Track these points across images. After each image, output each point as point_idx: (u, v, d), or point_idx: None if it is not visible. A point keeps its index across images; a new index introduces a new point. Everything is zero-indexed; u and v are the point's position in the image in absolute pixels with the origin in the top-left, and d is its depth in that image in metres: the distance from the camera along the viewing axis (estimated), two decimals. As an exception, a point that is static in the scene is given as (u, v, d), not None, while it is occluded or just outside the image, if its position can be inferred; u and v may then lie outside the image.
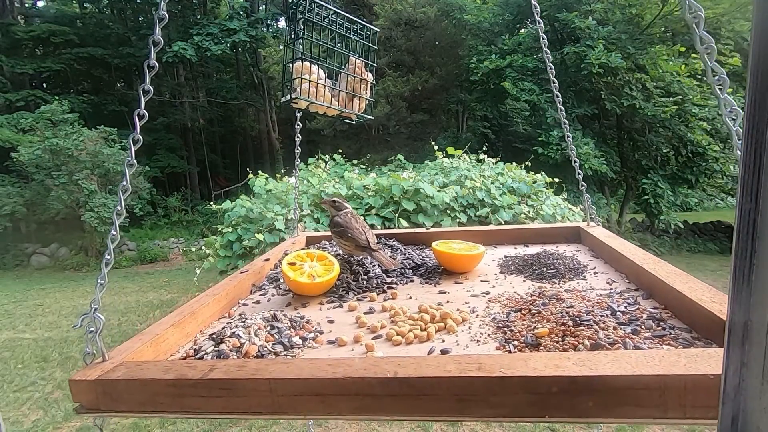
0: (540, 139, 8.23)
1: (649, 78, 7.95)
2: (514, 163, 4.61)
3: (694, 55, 7.42)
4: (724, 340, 0.36)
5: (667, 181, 8.31)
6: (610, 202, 9.33)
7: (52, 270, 9.32)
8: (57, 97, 11.05)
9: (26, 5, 15.99)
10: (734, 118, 0.66)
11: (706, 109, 7.43)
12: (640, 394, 0.48)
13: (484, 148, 4.91)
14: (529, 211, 3.79)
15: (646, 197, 8.15)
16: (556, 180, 4.48)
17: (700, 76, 7.62)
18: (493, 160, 4.61)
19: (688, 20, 0.68)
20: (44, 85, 14.91)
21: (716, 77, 0.67)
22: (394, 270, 1.05)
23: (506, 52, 9.13)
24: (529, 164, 4.77)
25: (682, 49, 7.55)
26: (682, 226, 8.94)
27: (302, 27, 1.14)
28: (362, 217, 1.18)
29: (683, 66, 7.64)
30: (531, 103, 8.98)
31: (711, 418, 0.47)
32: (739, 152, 0.65)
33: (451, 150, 4.81)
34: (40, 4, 16.53)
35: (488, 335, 0.73)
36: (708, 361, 0.50)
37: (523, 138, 10.64)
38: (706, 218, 10.17)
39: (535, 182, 4.18)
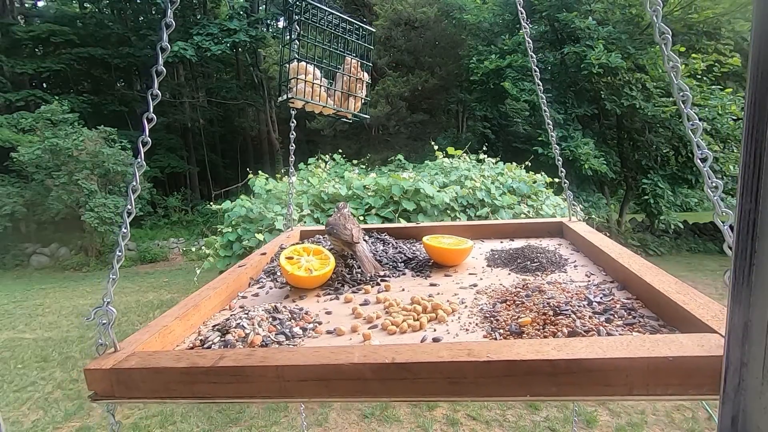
0: (540, 139, 8.21)
1: (649, 78, 7.95)
2: (514, 163, 4.61)
3: (694, 55, 7.42)
4: (724, 340, 0.36)
5: (667, 181, 8.30)
6: (610, 202, 9.32)
7: (52, 270, 9.32)
8: (57, 97, 11.06)
9: (26, 5, 15.99)
10: (695, 130, 0.72)
11: (706, 109, 7.42)
12: (609, 375, 0.54)
13: (484, 148, 4.91)
14: (529, 211, 3.79)
15: (646, 197, 8.15)
16: (556, 180, 4.47)
17: (700, 76, 7.62)
18: (493, 160, 4.61)
19: (658, 41, 0.74)
20: (44, 85, 14.92)
21: (681, 94, 0.73)
22: (377, 275, 1.06)
23: (506, 52, 9.12)
24: (529, 164, 4.76)
25: (682, 49, 7.55)
26: (682, 226, 8.94)
27: (299, 28, 1.16)
28: (353, 217, 1.20)
29: (683, 66, 7.63)
30: (531, 103, 8.97)
31: (670, 393, 0.53)
32: (699, 161, 0.71)
33: (451, 150, 4.81)
34: (40, 4, 16.55)
35: (476, 324, 0.78)
36: (669, 345, 0.56)
37: (523, 138, 10.62)
38: (706, 218, 10.15)
39: (535, 182, 4.19)
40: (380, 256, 1.20)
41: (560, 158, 1.40)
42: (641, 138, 8.58)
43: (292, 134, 1.57)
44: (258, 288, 1.08)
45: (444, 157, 4.74)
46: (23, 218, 9.68)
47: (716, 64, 7.67)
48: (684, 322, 0.66)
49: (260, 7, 15.33)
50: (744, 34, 7.99)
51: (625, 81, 7.97)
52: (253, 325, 0.78)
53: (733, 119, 7.36)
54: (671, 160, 8.49)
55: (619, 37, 7.86)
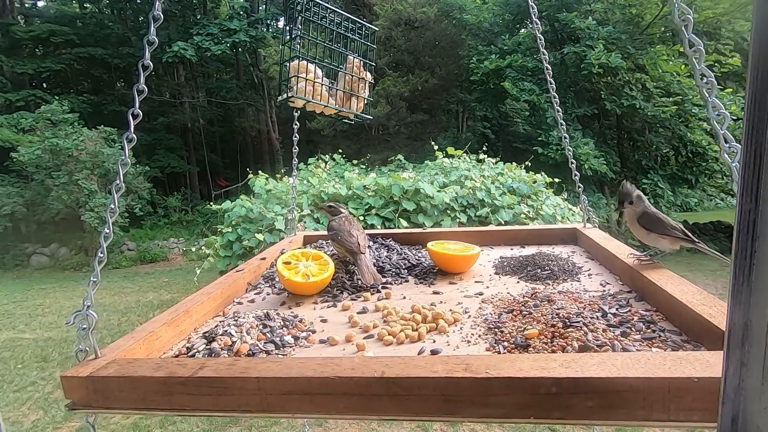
0: (540, 139, 8.22)
1: (649, 78, 7.95)
2: (514, 163, 4.60)
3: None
4: (724, 340, 0.36)
5: (667, 181, 8.30)
6: (610, 203, 9.32)
7: (52, 270, 9.32)
8: (57, 97, 11.05)
9: (26, 5, 15.99)
10: (722, 121, 0.66)
11: (706, 109, 7.41)
12: (624, 396, 0.49)
13: (484, 148, 4.91)
14: (529, 211, 3.78)
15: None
16: (556, 180, 4.47)
17: (700, 76, 7.62)
18: (493, 160, 4.60)
19: (677, 23, 0.69)
20: (44, 85, 14.90)
21: (704, 80, 0.67)
22: (373, 285, 1.02)
23: (506, 52, 9.12)
24: (529, 164, 4.76)
25: (682, 49, 7.54)
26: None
27: (300, 26, 1.15)
28: (357, 220, 1.17)
29: (683, 66, 7.63)
30: (531, 103, 8.97)
31: (695, 420, 0.48)
32: (726, 155, 0.65)
33: (451, 150, 4.80)
34: (40, 4, 16.54)
35: (479, 336, 0.74)
36: (693, 363, 0.50)
37: (523, 138, 10.63)
38: (706, 218, 10.16)
39: (535, 182, 4.18)
40: (383, 262, 1.16)
41: (573, 161, 1.33)
42: (641, 138, 8.59)
43: (296, 137, 1.52)
44: (255, 294, 1.05)
45: (444, 157, 4.73)
46: (23, 218, 9.67)
47: (716, 64, 7.66)
48: (710, 337, 0.61)
49: (260, 7, 15.33)
50: (744, 34, 7.98)
51: (625, 81, 7.97)
52: (241, 332, 0.75)
53: (733, 119, 7.36)
54: (671, 160, 8.50)
55: (619, 37, 7.85)
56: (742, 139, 0.33)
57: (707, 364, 0.50)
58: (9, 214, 9.19)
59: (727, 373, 0.35)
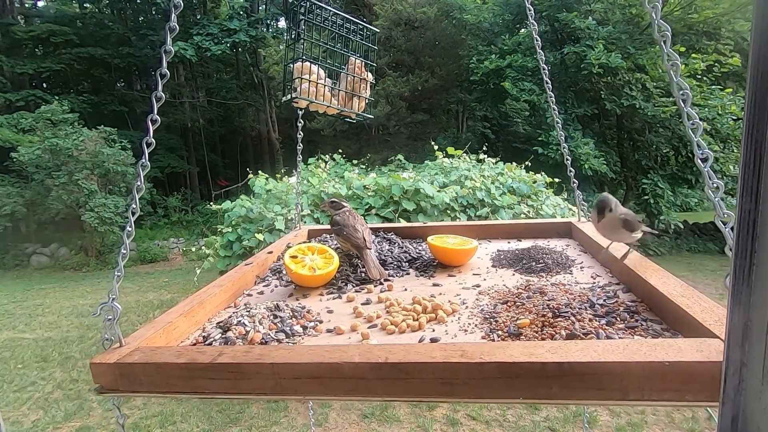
0: (540, 139, 8.22)
1: (649, 78, 7.95)
2: (514, 163, 4.61)
3: (694, 55, 7.42)
4: (724, 340, 0.36)
5: (667, 181, 8.30)
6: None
7: (52, 270, 9.32)
8: (57, 97, 11.05)
9: (26, 5, 16.00)
10: (696, 130, 0.71)
11: (706, 109, 7.42)
12: (603, 379, 0.53)
13: (484, 148, 4.91)
14: (529, 211, 3.79)
15: (646, 197, 8.14)
16: (556, 180, 4.47)
17: (699, 76, 7.62)
18: (493, 160, 4.60)
19: (657, 38, 0.73)
20: (44, 85, 14.91)
21: (681, 92, 0.72)
22: (378, 280, 1.05)
23: (506, 52, 9.13)
24: (529, 164, 4.76)
25: (682, 49, 7.55)
26: (682, 226, 8.92)
27: (303, 28, 1.16)
28: (361, 216, 1.19)
29: (683, 66, 7.63)
30: (531, 103, 8.98)
31: (666, 399, 0.52)
32: (700, 161, 0.69)
33: (451, 150, 4.80)
34: (40, 4, 16.55)
35: (475, 325, 0.77)
36: (666, 350, 0.55)
37: (523, 138, 10.65)
38: (706, 218, 10.15)
39: (535, 182, 4.18)
40: (385, 256, 1.20)
41: (569, 157, 1.36)
42: (641, 138, 8.59)
43: (300, 134, 1.55)
44: (264, 286, 1.09)
45: (444, 157, 4.74)
46: (23, 218, 9.67)
47: (716, 64, 7.67)
48: (687, 326, 0.65)
49: (260, 7, 15.33)
50: (744, 34, 7.99)
51: (625, 81, 7.98)
52: (253, 322, 0.79)
53: (733, 119, 7.36)
54: (671, 160, 8.49)
55: (619, 37, 7.86)
56: (742, 139, 0.33)
57: (678, 350, 0.54)
58: (9, 214, 9.19)
59: (727, 373, 0.35)
